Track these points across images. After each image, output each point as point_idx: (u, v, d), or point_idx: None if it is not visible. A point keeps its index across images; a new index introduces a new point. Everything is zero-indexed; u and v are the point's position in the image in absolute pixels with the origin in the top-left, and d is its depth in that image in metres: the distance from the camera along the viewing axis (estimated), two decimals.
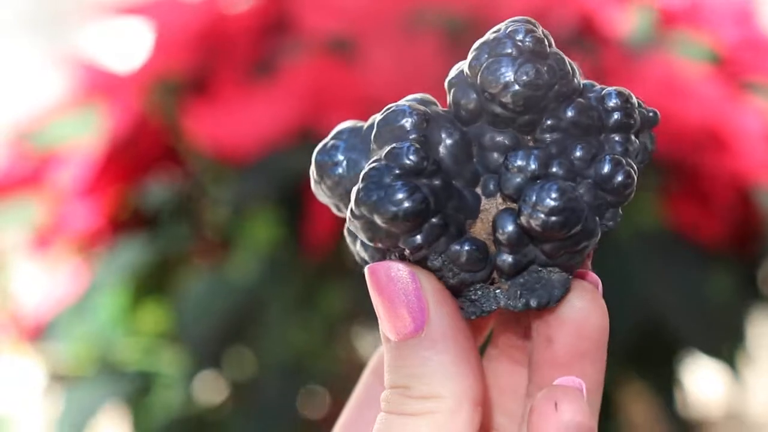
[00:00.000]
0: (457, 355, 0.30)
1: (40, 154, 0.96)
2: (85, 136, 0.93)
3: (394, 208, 0.30)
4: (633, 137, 0.32)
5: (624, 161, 0.31)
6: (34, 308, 0.98)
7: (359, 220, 0.31)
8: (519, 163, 0.31)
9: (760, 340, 0.99)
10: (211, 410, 0.93)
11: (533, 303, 0.32)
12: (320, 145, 0.34)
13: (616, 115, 0.32)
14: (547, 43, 0.32)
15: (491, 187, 0.32)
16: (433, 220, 0.31)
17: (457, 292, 0.32)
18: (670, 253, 0.85)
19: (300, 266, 0.87)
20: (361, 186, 0.31)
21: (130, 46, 1.02)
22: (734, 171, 0.84)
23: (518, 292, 0.32)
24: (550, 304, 0.32)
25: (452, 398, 0.30)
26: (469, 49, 0.32)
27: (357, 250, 0.34)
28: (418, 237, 0.31)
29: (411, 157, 0.30)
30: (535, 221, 0.30)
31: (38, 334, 0.97)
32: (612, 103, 0.32)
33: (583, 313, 0.32)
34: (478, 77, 0.32)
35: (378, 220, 0.30)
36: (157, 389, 0.92)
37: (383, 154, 0.31)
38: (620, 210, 0.32)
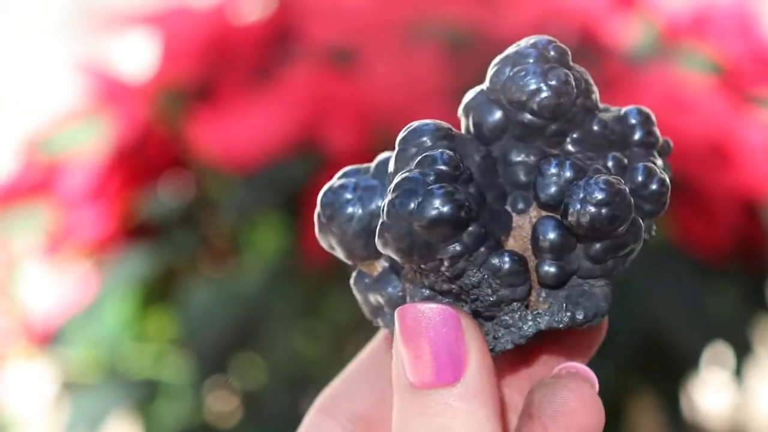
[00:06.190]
0: (494, 410, 0.28)
1: (50, 161, 0.97)
2: (94, 143, 0.94)
3: (434, 212, 0.28)
4: (656, 153, 0.31)
5: (657, 169, 0.30)
6: (44, 314, 0.99)
7: (393, 232, 0.29)
8: (553, 170, 0.30)
9: (766, 352, 0.98)
10: (220, 419, 0.93)
11: (579, 316, 0.30)
12: (325, 188, 0.32)
13: (638, 132, 0.31)
14: (569, 56, 0.31)
15: (520, 205, 0.30)
16: (473, 228, 0.29)
17: (491, 315, 0.30)
18: (674, 267, 0.84)
19: (304, 275, 0.87)
20: (394, 196, 0.29)
21: (141, 54, 1.03)
22: (738, 185, 0.83)
23: (563, 305, 0.30)
24: (597, 318, 0.30)
25: None
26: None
27: (370, 298, 0.32)
28: (458, 245, 0.28)
29: (446, 161, 0.29)
30: (584, 217, 0.29)
31: (47, 340, 0.97)
32: (633, 120, 0.31)
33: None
34: (503, 89, 0.30)
35: (416, 226, 0.28)
36: (164, 397, 0.92)
37: (414, 164, 0.29)
38: (654, 223, 0.31)
